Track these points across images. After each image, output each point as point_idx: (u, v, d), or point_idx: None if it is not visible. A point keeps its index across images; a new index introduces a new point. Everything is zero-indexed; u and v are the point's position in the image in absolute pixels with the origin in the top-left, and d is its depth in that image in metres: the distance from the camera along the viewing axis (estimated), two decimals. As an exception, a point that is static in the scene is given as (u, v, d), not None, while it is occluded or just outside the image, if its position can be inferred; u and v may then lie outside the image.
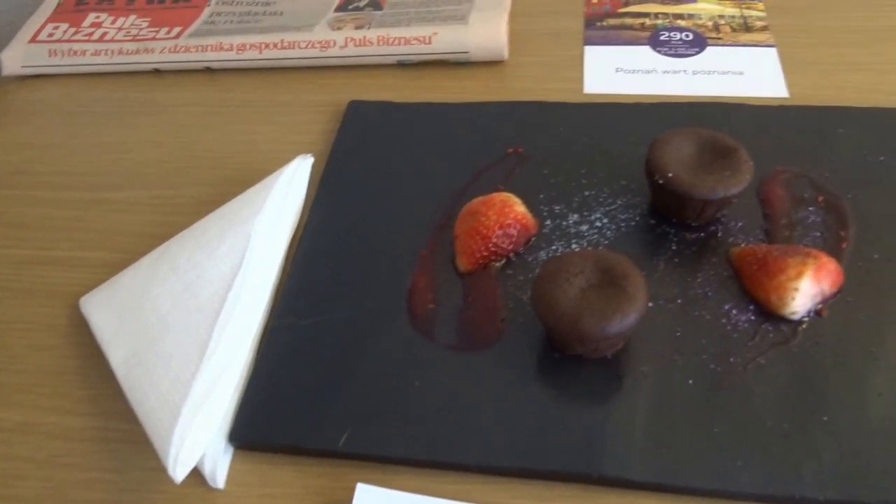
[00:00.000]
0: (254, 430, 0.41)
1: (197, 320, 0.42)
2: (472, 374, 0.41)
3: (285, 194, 0.50)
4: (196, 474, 0.39)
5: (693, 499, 0.37)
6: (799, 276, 0.41)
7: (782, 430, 0.38)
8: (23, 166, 0.59)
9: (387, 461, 0.39)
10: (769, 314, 0.42)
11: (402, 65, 0.64)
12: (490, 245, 0.46)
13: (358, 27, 0.65)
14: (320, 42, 0.64)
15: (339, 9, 0.68)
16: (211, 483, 0.39)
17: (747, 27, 0.64)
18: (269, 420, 0.41)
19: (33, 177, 0.58)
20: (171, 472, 0.37)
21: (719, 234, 0.47)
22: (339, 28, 0.65)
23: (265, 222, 0.47)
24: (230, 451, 0.40)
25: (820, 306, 0.42)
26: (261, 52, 0.64)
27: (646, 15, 0.66)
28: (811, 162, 0.50)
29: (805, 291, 0.41)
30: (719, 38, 0.63)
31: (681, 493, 0.37)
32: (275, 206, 0.48)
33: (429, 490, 0.38)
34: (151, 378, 0.40)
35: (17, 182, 0.58)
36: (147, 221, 0.53)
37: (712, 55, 0.61)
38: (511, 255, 0.47)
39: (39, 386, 0.45)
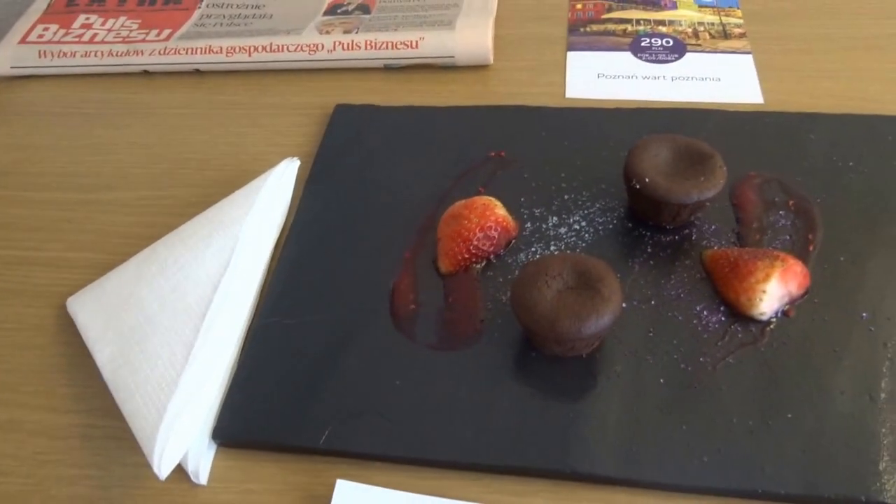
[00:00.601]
0: (237, 427, 0.42)
1: (183, 320, 0.43)
2: (451, 373, 0.43)
3: (272, 197, 0.51)
4: (180, 470, 0.40)
5: (661, 493, 0.38)
6: (767, 278, 0.43)
7: (748, 426, 0.39)
8: (11, 167, 0.60)
9: (367, 458, 0.40)
10: (739, 315, 0.43)
11: (389, 68, 0.65)
12: (471, 247, 0.47)
13: (346, 31, 0.66)
14: (309, 45, 0.65)
15: (328, 12, 0.69)
16: (194, 479, 0.40)
17: (726, 34, 0.65)
18: (252, 418, 0.42)
19: (21, 177, 0.59)
20: (155, 468, 0.38)
21: (693, 237, 0.48)
22: (327, 32, 0.66)
23: (252, 224, 0.48)
24: (213, 447, 0.41)
25: (787, 307, 0.44)
26: (250, 55, 0.65)
27: (628, 21, 0.68)
28: (783, 167, 0.51)
29: (772, 293, 0.43)
30: (698, 45, 0.64)
31: (650, 489, 0.38)
32: (262, 209, 0.49)
33: (407, 486, 0.39)
34: (137, 377, 0.41)
35: (5, 182, 0.59)
36: (135, 222, 0.54)
37: (691, 61, 0.63)
38: (492, 256, 0.48)
39: (25, 384, 0.46)
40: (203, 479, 0.40)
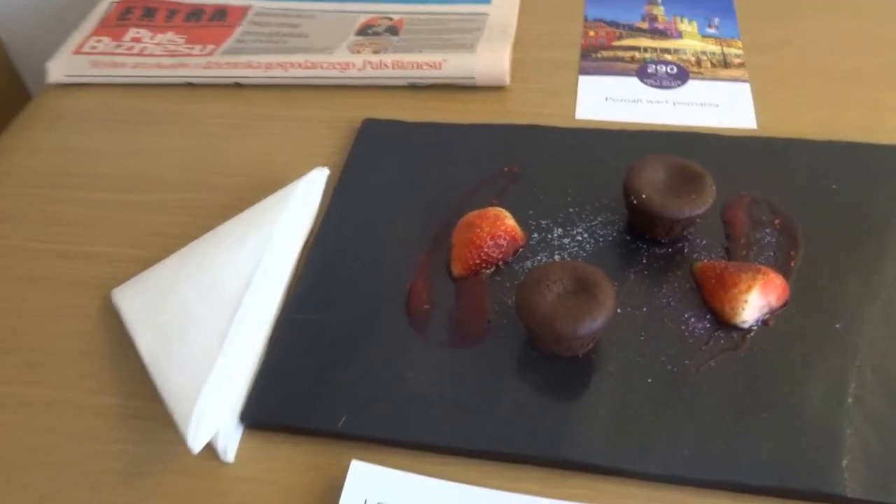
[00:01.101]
0: (262, 411, 0.45)
1: (218, 313, 0.46)
2: (458, 368, 0.45)
3: (302, 202, 0.54)
4: (209, 448, 0.43)
5: (645, 483, 0.40)
6: (749, 289, 0.45)
7: (725, 424, 0.41)
8: (62, 168, 0.63)
9: (379, 442, 0.43)
10: (723, 323, 0.46)
11: (414, 87, 0.68)
12: (482, 254, 0.50)
13: (375, 51, 0.69)
14: (340, 63, 0.68)
15: (359, 33, 0.73)
16: (222, 457, 0.43)
17: (726, 63, 0.67)
18: (275, 403, 0.45)
19: (72, 178, 0.62)
20: (190, 444, 0.41)
21: (685, 251, 0.50)
22: (357, 51, 0.69)
23: (283, 227, 0.51)
24: (240, 429, 0.44)
25: (767, 317, 0.46)
26: (286, 71, 0.68)
27: (636, 49, 0.70)
28: (772, 188, 0.54)
29: (753, 303, 0.45)
30: (700, 73, 0.67)
31: (635, 478, 0.41)
32: (292, 213, 0.53)
33: (415, 469, 0.41)
34: (176, 362, 0.44)
35: (57, 182, 0.62)
36: (174, 222, 0.57)
37: (693, 88, 0.65)
38: (500, 263, 0.51)
39: (70, 367, 0.48)
40: (230, 457, 0.43)
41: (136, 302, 0.48)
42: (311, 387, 0.45)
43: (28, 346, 0.50)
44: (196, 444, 0.41)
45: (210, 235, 0.52)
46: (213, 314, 0.46)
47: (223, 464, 0.43)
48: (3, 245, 0.57)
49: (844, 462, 0.39)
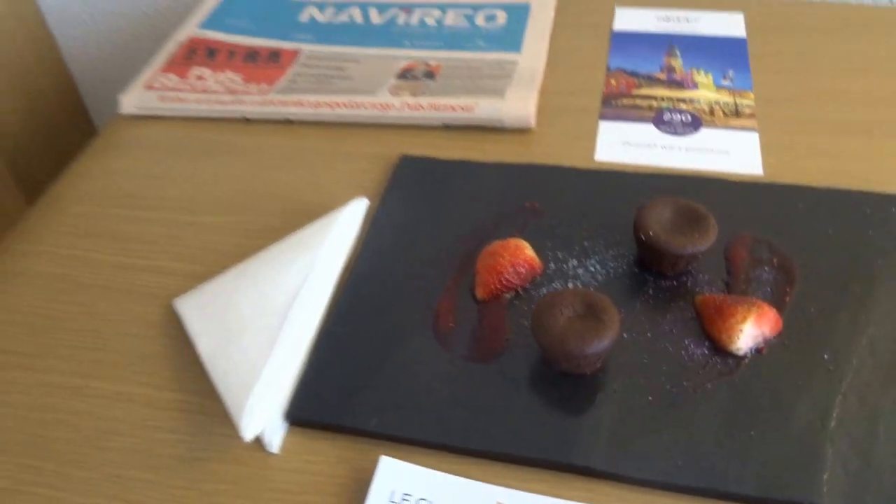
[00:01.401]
0: (304, 410, 0.49)
1: (269, 322, 0.51)
2: (478, 380, 0.50)
3: (343, 229, 0.59)
4: (257, 441, 0.48)
5: (642, 489, 0.44)
6: (744, 319, 0.49)
7: (717, 439, 0.45)
8: (132, 191, 0.69)
9: (405, 441, 0.47)
10: (719, 350, 0.50)
11: (447, 127, 0.74)
12: (503, 280, 0.55)
13: (413, 94, 0.75)
14: (381, 104, 0.74)
15: (400, 77, 0.78)
16: (268, 448, 0.48)
17: (737, 113, 0.72)
18: (316, 403, 0.49)
19: (140, 200, 0.68)
20: (242, 433, 0.46)
21: (688, 284, 0.55)
22: (397, 93, 0.75)
23: (326, 250, 0.56)
24: (285, 426, 0.49)
25: (761, 346, 0.50)
26: (332, 109, 0.74)
27: (654, 97, 0.75)
28: (773, 230, 0.58)
29: (748, 333, 0.49)
30: (713, 121, 0.71)
31: (633, 483, 0.45)
32: (334, 238, 0.58)
33: (435, 466, 0.46)
34: (231, 364, 0.49)
35: (126, 203, 0.68)
36: (228, 241, 0.63)
37: (705, 135, 0.70)
38: (519, 289, 0.56)
39: (135, 366, 0.53)
40: (275, 448, 0.48)
41: (196, 310, 0.54)
42: (347, 390, 0.50)
43: (99, 346, 0.55)
44: (247, 434, 0.46)
45: (263, 254, 0.57)
46: (264, 323, 0.51)
47: (268, 454, 0.48)
48: (80, 256, 0.63)
49: (825, 476, 0.43)
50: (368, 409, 0.49)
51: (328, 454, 0.48)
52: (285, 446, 0.48)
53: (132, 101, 0.77)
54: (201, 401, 0.51)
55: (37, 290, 0.60)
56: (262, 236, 0.62)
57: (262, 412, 0.47)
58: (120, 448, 0.49)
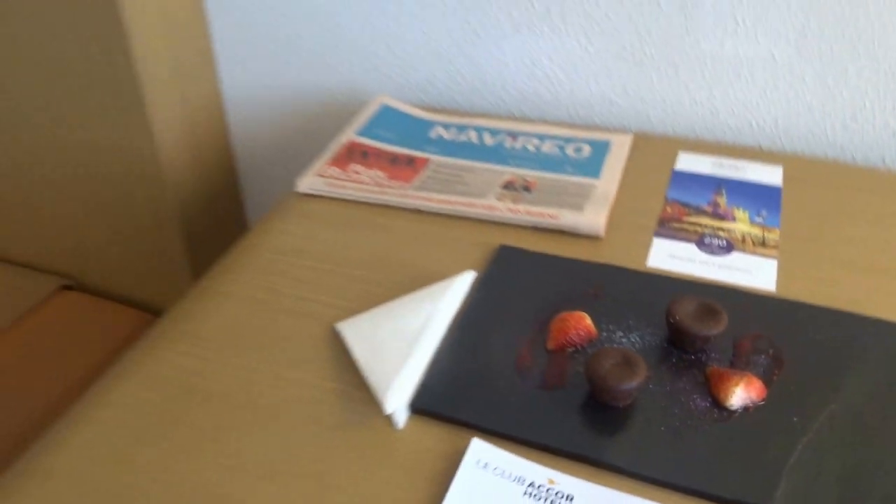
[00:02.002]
0: (422, 401, 0.70)
1: (403, 342, 0.73)
2: (544, 402, 0.70)
3: (456, 289, 0.82)
4: (385, 420, 0.69)
5: (651, 486, 0.64)
6: (737, 385, 0.68)
7: (707, 459, 0.64)
8: (301, 246, 0.93)
9: (491, 433, 0.68)
10: (718, 405, 0.69)
11: (537, 228, 0.96)
12: (568, 338, 0.76)
13: (513, 201, 0.98)
14: (488, 206, 0.97)
15: (504, 187, 1.02)
16: (396, 425, 0.68)
17: (763, 244, 0.92)
18: (431, 399, 0.70)
19: (308, 253, 0.91)
20: (384, 408, 0.67)
21: (703, 359, 0.74)
22: (501, 199, 0.99)
23: (444, 301, 0.79)
24: (408, 411, 0.70)
25: (748, 405, 0.69)
26: (451, 206, 0.97)
27: (699, 225, 0.96)
28: (773, 330, 0.77)
29: (739, 394, 0.68)
30: (743, 248, 0.92)
31: (645, 481, 0.64)
32: (450, 295, 0.80)
33: (508, 449, 0.66)
34: (376, 366, 0.71)
35: (298, 255, 0.90)
36: (371, 290, 0.84)
37: (735, 258, 0.90)
38: (579, 346, 0.77)
39: (308, 363, 0.72)
40: (400, 426, 0.69)
41: (351, 330, 0.77)
42: (452, 394, 0.71)
43: (283, 350, 0.78)
44: (388, 408, 0.68)
45: (399, 299, 0.80)
46: (400, 343, 0.73)
47: (395, 430, 0.69)
48: (268, 288, 0.86)
49: (777, 493, 0.62)
50: (466, 407, 0.70)
51: (435, 435, 0.68)
52: (407, 426, 0.69)
53: (306, 183, 1.03)
54: (353, 390, 0.72)
55: (238, 306, 0.84)
56: (395, 289, 0.85)
57: (395, 399, 0.69)
58: (293, 415, 0.71)
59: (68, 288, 1.60)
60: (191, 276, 1.47)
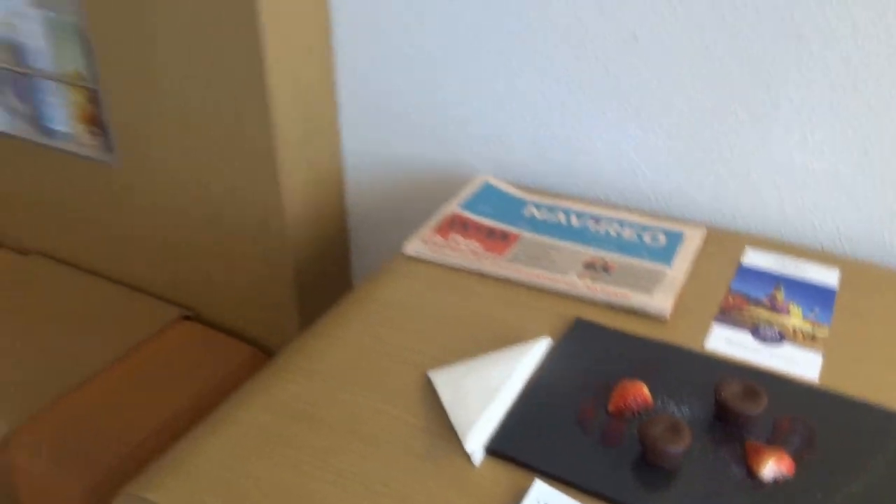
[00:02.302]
0: (496, 445, 0.84)
1: (485, 392, 0.87)
2: (600, 456, 0.83)
3: (534, 351, 0.96)
4: (465, 456, 0.83)
5: (684, 535, 0.75)
6: (770, 458, 0.79)
7: (734, 518, 0.75)
8: (405, 302, 1.09)
9: (550, 476, 0.81)
10: (752, 474, 0.80)
11: (610, 305, 1.10)
12: (626, 403, 0.88)
13: (592, 280, 1.12)
14: (569, 282, 1.10)
15: (585, 266, 1.16)
16: (473, 462, 0.82)
17: (813, 339, 1.03)
18: (504, 443, 0.84)
19: (410, 310, 1.06)
20: (466, 447, 0.82)
21: (743, 433, 0.85)
22: (582, 277, 1.13)
23: (523, 360, 0.93)
24: (483, 452, 0.84)
25: (779, 479, 0.79)
26: (537, 279, 1.11)
27: (756, 315, 1.07)
28: (811, 415, 0.88)
29: (770, 467, 0.79)
30: (793, 340, 1.02)
31: (679, 531, 0.75)
32: (528, 356, 0.94)
33: (566, 492, 0.79)
34: (462, 409, 0.86)
35: (401, 310, 1.07)
36: (461, 345, 0.99)
37: (785, 348, 1.01)
38: (636, 412, 0.89)
39: (403, 399, 0.87)
40: (477, 463, 0.83)
41: (442, 378, 0.91)
42: (523, 439, 0.84)
43: (383, 388, 0.93)
44: (468, 447, 0.82)
45: (485, 355, 0.95)
46: (482, 393, 0.87)
47: (472, 466, 0.83)
48: (373, 334, 1.02)
49: (793, 552, 0.72)
50: (533, 453, 0.83)
51: (506, 474, 0.81)
52: (482, 464, 0.83)
53: (413, 247, 1.19)
54: (439, 428, 0.86)
55: (346, 349, 0.99)
56: (482, 346, 0.98)
57: (475, 439, 0.83)
58: (388, 444, 0.86)
59: (188, 318, 1.81)
60: (297, 319, 1.65)
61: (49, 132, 1.69)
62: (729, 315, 1.06)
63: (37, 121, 1.75)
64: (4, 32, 1.69)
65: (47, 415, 1.42)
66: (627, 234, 1.20)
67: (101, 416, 1.47)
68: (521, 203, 1.29)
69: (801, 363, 0.97)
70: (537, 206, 1.28)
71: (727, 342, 1.01)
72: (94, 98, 1.64)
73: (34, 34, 1.65)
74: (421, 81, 1.39)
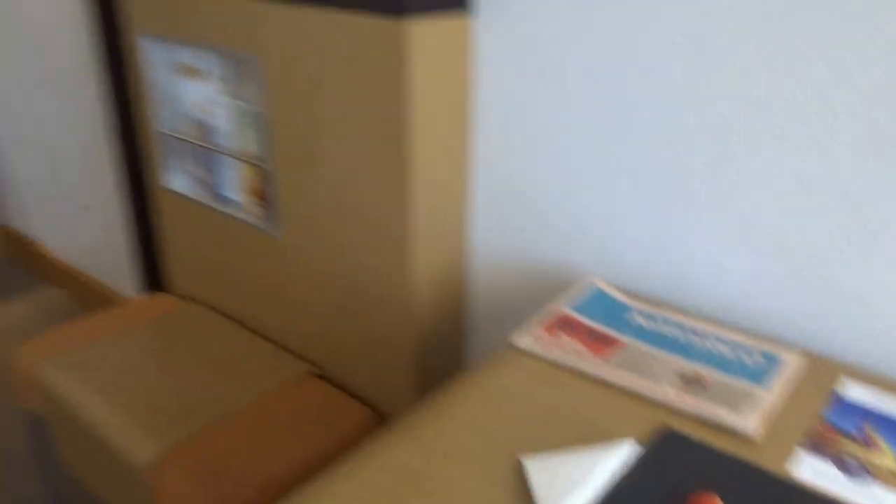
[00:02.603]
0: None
1: (574, 482, 0.97)
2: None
3: (620, 452, 1.04)
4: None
5: None
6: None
7: None
8: (511, 391, 1.20)
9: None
10: None
11: (700, 419, 1.16)
12: (701, 514, 0.94)
13: (685, 392, 1.19)
14: (664, 393, 1.16)
15: (680, 377, 1.23)
16: (551, 547, 0.92)
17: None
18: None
19: (515, 399, 1.17)
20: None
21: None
22: (675, 388, 1.20)
23: (609, 459, 1.02)
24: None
25: None
26: (633, 384, 1.20)
27: (845, 448, 1.10)
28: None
29: None
30: (881, 478, 1.05)
31: None
32: (614, 454, 1.03)
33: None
34: (551, 496, 0.95)
35: (506, 397, 1.19)
36: (556, 439, 1.10)
37: (871, 486, 1.03)
38: (709, 524, 0.95)
39: (500, 480, 1.01)
40: (555, 547, 0.91)
41: (535, 465, 1.01)
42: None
43: (485, 468, 1.05)
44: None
45: (576, 448, 1.04)
46: (569, 485, 0.96)
47: (551, 548, 0.91)
48: (482, 416, 1.14)
49: None
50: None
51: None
52: (560, 549, 0.92)
53: (522, 341, 1.31)
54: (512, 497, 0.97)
55: (457, 428, 1.11)
56: (575, 440, 1.08)
57: (556, 525, 0.92)
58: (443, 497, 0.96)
59: (318, 375, 1.99)
60: (413, 389, 1.79)
61: (223, 199, 1.94)
62: (817, 444, 1.10)
63: (213, 188, 2.02)
64: (199, 114, 1.98)
65: (190, 444, 1.61)
66: (726, 351, 1.26)
67: (233, 452, 1.64)
68: (626, 309, 1.38)
69: (884, 501, 1.00)
70: (642, 315, 1.36)
71: (813, 471, 1.05)
72: (263, 175, 1.89)
73: (223, 118, 1.92)
74: (550, 187, 1.53)
